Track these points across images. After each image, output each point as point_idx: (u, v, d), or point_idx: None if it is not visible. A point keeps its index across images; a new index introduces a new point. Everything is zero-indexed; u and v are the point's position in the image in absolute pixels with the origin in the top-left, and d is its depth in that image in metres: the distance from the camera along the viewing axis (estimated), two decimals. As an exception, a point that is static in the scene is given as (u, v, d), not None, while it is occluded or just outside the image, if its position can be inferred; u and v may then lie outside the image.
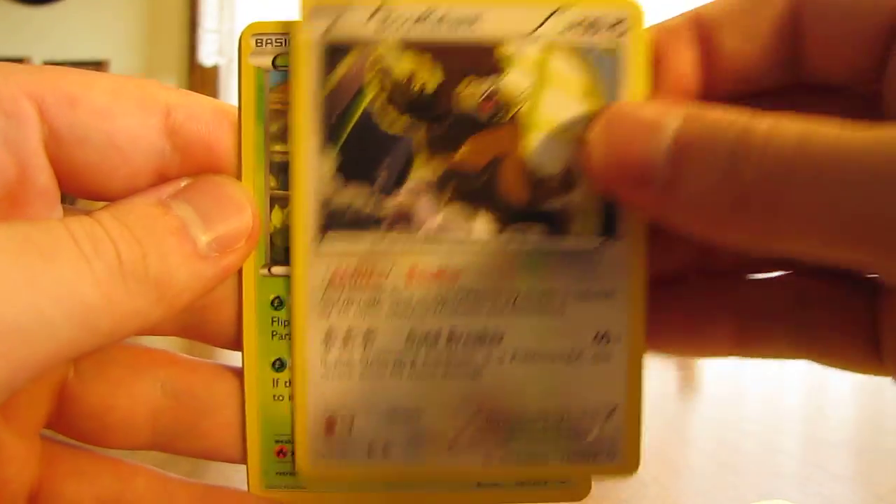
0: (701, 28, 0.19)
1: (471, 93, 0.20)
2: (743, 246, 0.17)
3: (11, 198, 0.17)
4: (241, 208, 0.19)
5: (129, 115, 0.18)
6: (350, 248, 0.20)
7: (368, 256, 0.20)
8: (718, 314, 0.21)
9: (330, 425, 0.20)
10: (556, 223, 0.20)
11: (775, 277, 0.22)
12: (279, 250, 0.20)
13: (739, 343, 0.21)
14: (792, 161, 0.15)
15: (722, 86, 0.20)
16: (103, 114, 0.18)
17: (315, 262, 0.20)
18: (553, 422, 0.20)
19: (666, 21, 0.20)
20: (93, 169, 0.18)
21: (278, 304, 0.20)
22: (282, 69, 0.20)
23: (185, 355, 0.21)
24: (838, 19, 0.18)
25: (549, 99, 0.20)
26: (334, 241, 0.20)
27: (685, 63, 0.19)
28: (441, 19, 0.20)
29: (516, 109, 0.20)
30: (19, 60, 2.20)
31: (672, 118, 0.17)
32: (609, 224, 0.20)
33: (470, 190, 0.20)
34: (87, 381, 0.19)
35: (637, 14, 0.20)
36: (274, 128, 0.20)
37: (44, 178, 0.18)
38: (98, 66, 2.11)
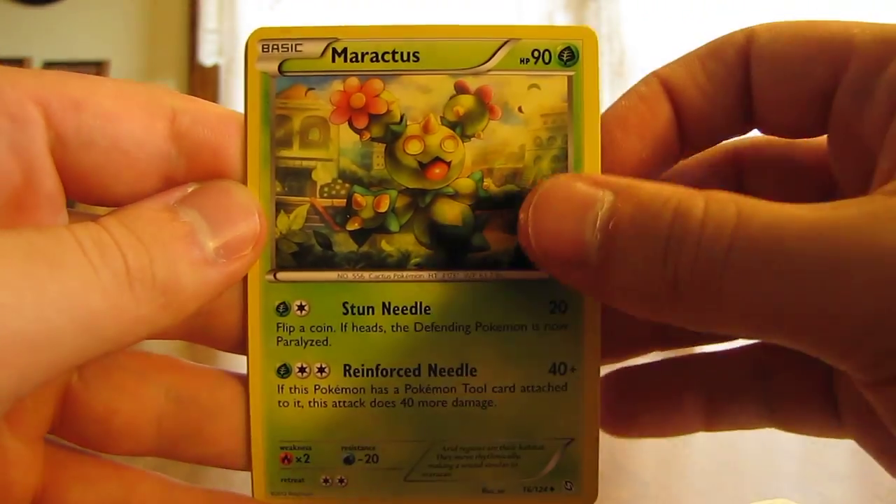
0: (669, 91, 0.20)
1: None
2: (681, 326, 0.17)
3: (17, 202, 0.17)
4: (248, 213, 0.18)
5: (135, 118, 0.18)
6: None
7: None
8: (686, 395, 0.21)
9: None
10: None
11: (736, 350, 0.22)
12: (285, 256, 0.20)
13: (709, 420, 0.21)
14: (727, 250, 0.15)
15: (691, 139, 0.20)
16: (109, 117, 0.18)
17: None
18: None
19: (636, 86, 0.21)
20: (98, 173, 0.18)
21: (283, 309, 0.20)
22: (288, 75, 0.20)
23: (189, 361, 0.20)
24: (781, 78, 0.19)
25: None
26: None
27: (664, 122, 0.20)
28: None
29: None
30: (19, 60, 2.19)
31: (602, 199, 0.17)
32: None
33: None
34: (92, 386, 0.19)
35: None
36: (280, 133, 0.20)
37: (49, 182, 0.17)
38: (98, 66, 2.10)
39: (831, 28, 0.18)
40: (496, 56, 0.20)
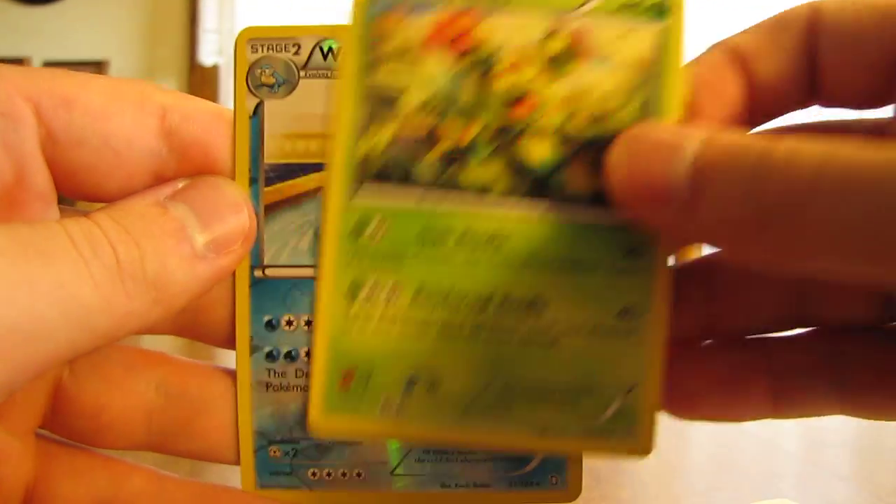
0: (738, 59, 0.20)
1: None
2: (766, 264, 0.17)
3: (9, 199, 0.17)
4: (237, 209, 0.19)
5: (125, 115, 0.18)
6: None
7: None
8: (753, 378, 0.21)
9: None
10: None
11: (804, 335, 0.22)
12: (367, 176, 0.20)
13: (776, 405, 0.21)
14: (812, 179, 0.15)
15: (759, 111, 0.20)
16: (99, 115, 0.18)
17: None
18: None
19: (704, 54, 0.21)
20: (89, 170, 0.18)
21: (360, 228, 0.20)
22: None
23: (179, 356, 0.21)
24: (849, 47, 0.19)
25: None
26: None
27: (733, 91, 0.20)
28: None
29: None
30: (19, 60, 2.19)
31: (691, 140, 0.17)
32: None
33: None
34: (82, 381, 0.19)
35: None
36: (370, 57, 0.20)
37: (40, 179, 0.18)
38: (98, 66, 2.10)
39: None
40: (591, 2, 0.20)
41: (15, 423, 0.19)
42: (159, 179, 0.19)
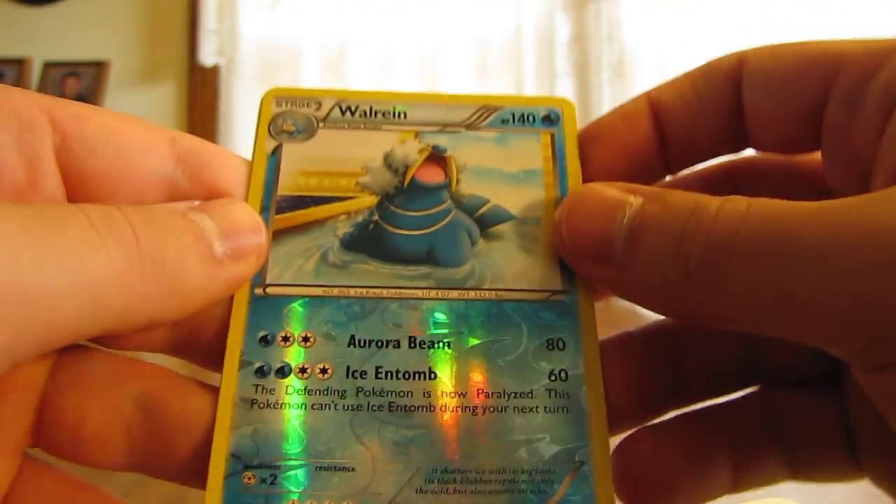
0: (655, 110, 0.21)
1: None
2: (695, 321, 0.18)
3: (20, 200, 0.17)
4: (256, 228, 0.19)
5: (137, 134, 0.19)
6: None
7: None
8: (717, 454, 0.20)
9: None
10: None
11: (749, 397, 0.22)
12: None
13: (736, 479, 0.20)
14: (734, 241, 0.16)
15: (675, 159, 0.21)
16: (112, 129, 0.18)
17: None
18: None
19: (623, 104, 0.22)
20: (101, 180, 0.18)
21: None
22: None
23: (169, 370, 0.19)
24: (772, 96, 0.19)
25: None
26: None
27: (643, 139, 0.21)
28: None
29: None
30: (19, 60, 2.18)
31: (632, 200, 0.18)
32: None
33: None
34: (63, 391, 0.18)
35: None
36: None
37: (52, 183, 0.18)
38: (98, 65, 2.10)
39: (823, 45, 0.19)
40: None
41: (2, 440, 0.18)
42: (172, 198, 0.19)
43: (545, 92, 2.05)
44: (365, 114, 0.22)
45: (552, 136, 0.22)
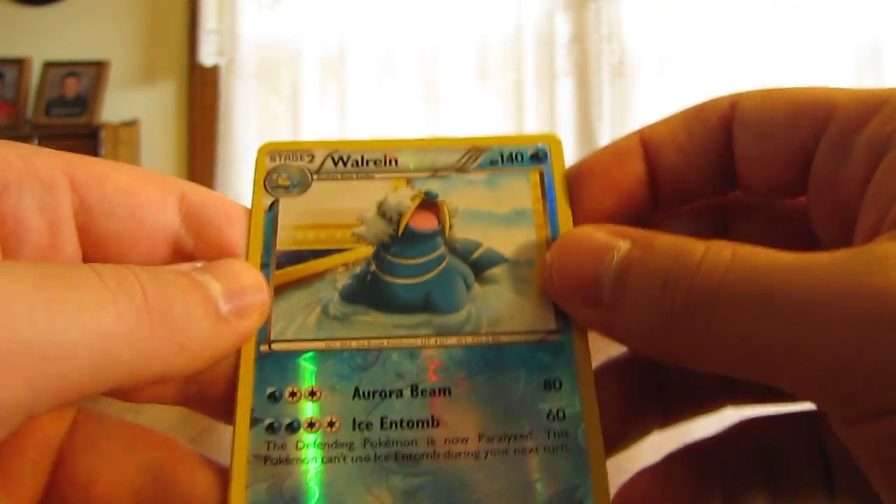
0: (647, 149, 0.21)
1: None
2: (680, 364, 0.18)
3: (41, 260, 0.18)
4: (259, 288, 0.19)
5: (150, 192, 0.19)
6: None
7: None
8: (711, 493, 0.21)
9: None
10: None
11: (738, 430, 0.22)
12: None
13: None
14: (717, 290, 0.16)
15: (665, 198, 0.21)
16: (128, 190, 0.19)
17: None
18: None
19: (616, 141, 0.22)
20: (116, 240, 0.19)
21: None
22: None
23: (182, 443, 0.20)
24: (762, 141, 0.20)
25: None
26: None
27: (633, 178, 0.21)
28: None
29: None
30: (19, 60, 2.18)
31: (623, 243, 0.18)
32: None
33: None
34: (79, 450, 0.19)
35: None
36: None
37: (71, 246, 0.18)
38: (98, 65, 2.10)
39: (815, 93, 0.19)
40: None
41: (18, 494, 0.18)
42: (177, 255, 0.20)
43: (545, 92, 2.05)
44: (357, 163, 0.23)
45: (541, 174, 0.22)
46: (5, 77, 2.12)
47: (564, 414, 0.20)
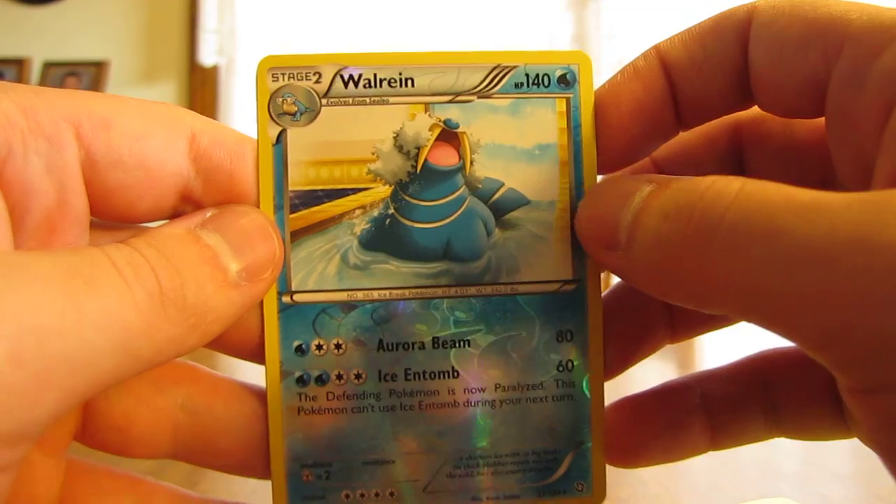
0: (665, 68, 0.20)
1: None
2: (688, 305, 0.17)
3: (49, 224, 0.17)
4: (267, 237, 0.19)
5: (159, 137, 0.18)
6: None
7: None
8: (691, 421, 0.21)
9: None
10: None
11: (733, 366, 0.22)
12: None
13: (714, 440, 0.22)
14: (718, 222, 0.15)
15: (688, 116, 0.21)
16: (136, 136, 0.18)
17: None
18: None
19: (634, 61, 0.21)
20: (124, 190, 0.18)
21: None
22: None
23: (208, 371, 0.21)
24: (776, 61, 0.19)
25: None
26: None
27: (658, 99, 0.20)
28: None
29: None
30: (19, 60, 2.18)
31: (646, 186, 0.18)
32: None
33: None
34: (112, 397, 0.19)
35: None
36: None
37: (79, 202, 0.18)
38: (98, 65, 2.10)
39: (831, 10, 0.18)
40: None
41: (49, 444, 0.19)
42: (185, 201, 0.19)
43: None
44: (369, 83, 0.21)
45: (567, 101, 0.21)
46: (5, 77, 2.12)
47: (573, 365, 0.21)
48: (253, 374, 0.21)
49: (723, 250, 0.15)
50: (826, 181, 0.20)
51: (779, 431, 0.22)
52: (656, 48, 0.20)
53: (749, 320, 0.16)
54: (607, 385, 0.22)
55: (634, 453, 0.21)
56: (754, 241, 0.14)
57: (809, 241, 0.13)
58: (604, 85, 0.21)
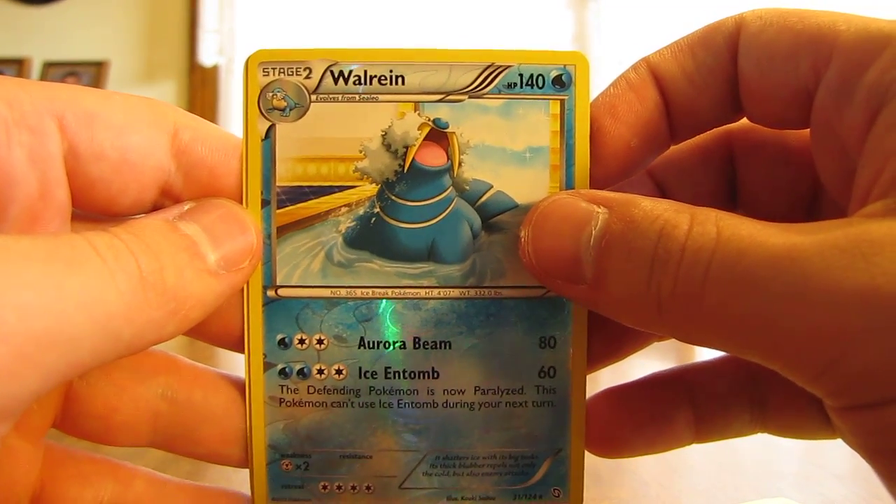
0: (657, 80, 0.20)
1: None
2: (671, 337, 0.18)
3: (31, 214, 0.18)
4: (245, 228, 0.19)
5: (142, 132, 0.19)
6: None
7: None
8: (676, 413, 0.22)
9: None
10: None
11: (721, 361, 0.22)
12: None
13: (699, 433, 0.22)
14: (704, 273, 0.16)
15: (680, 128, 0.21)
16: (119, 130, 0.18)
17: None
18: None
19: (625, 73, 0.21)
20: (105, 184, 0.18)
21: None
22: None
23: (188, 361, 0.21)
24: (765, 75, 0.19)
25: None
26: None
27: (652, 110, 0.20)
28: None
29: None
30: (19, 61, 2.18)
31: (600, 212, 0.17)
32: None
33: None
34: (93, 385, 0.20)
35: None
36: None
37: (62, 193, 0.18)
38: (98, 66, 2.10)
39: (819, 21, 0.18)
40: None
41: (28, 428, 0.19)
42: (165, 195, 0.19)
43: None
44: (359, 80, 0.20)
45: (562, 104, 0.20)
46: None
47: (555, 371, 0.21)
48: (233, 364, 0.22)
49: (709, 300, 0.16)
50: (816, 188, 0.21)
51: (765, 428, 0.22)
52: (646, 60, 0.20)
53: (741, 356, 0.17)
54: (602, 379, 0.22)
55: (618, 444, 0.21)
56: (738, 291, 0.15)
57: (787, 290, 0.15)
58: (598, 97, 0.21)
